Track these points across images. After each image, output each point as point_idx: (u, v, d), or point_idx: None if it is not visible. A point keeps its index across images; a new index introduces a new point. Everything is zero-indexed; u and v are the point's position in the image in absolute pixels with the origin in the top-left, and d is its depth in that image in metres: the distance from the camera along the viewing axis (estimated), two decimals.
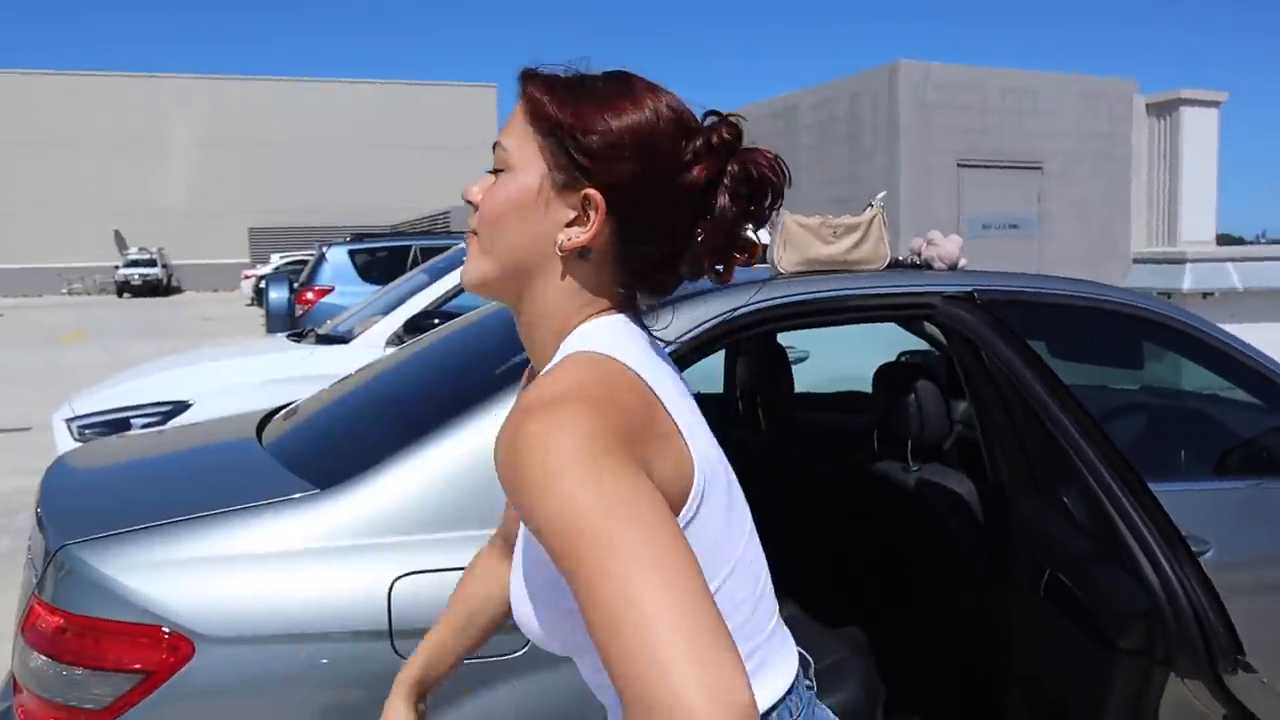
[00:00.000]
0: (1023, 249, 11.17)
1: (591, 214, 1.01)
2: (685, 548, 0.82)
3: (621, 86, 1.04)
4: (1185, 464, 2.91)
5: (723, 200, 1.03)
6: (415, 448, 1.96)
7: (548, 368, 1.02)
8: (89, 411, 4.60)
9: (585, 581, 0.79)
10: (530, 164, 1.04)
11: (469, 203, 1.10)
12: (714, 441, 1.06)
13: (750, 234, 1.07)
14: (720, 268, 1.07)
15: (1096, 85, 11.74)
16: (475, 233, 1.09)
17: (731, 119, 1.05)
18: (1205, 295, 11.09)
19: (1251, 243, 27.50)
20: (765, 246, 2.48)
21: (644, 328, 1.10)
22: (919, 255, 2.63)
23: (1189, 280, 11.08)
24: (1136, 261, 11.98)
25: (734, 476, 1.10)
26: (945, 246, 2.56)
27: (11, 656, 1.97)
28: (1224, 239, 20.93)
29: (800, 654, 1.14)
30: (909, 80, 10.55)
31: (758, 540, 1.11)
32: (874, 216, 2.47)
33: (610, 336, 1.02)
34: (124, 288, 41.73)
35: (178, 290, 45.10)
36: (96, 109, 46.91)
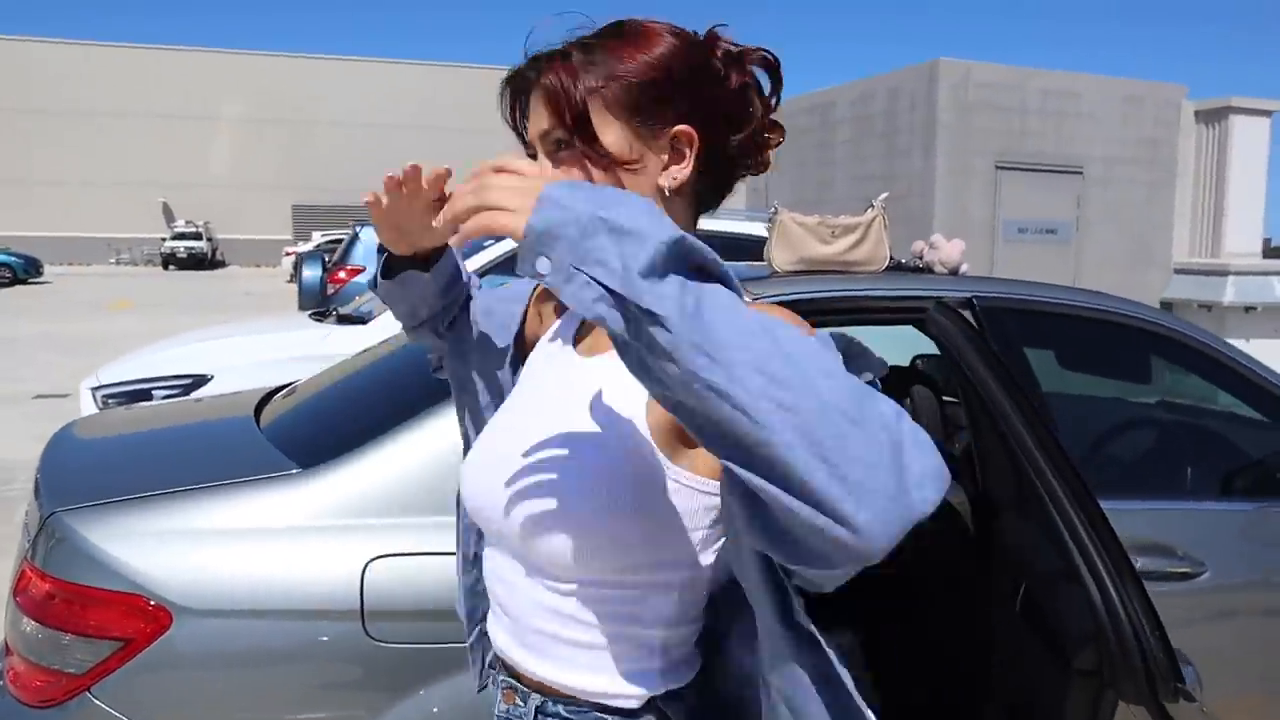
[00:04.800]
0: (1059, 254, 11.02)
1: (687, 150, 1.07)
2: None
3: (639, 27, 1.09)
4: (1190, 482, 2.87)
5: (756, 100, 1.10)
6: (397, 432, 1.98)
7: None
8: (113, 381, 4.69)
9: None
10: (607, 131, 1.06)
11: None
12: None
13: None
14: (761, 159, 1.14)
15: (1142, 89, 11.53)
16: None
17: (717, 28, 1.11)
18: (1248, 309, 10.88)
19: None
20: (763, 244, 2.48)
21: None
22: (921, 258, 2.61)
23: (1231, 293, 10.87)
24: (1178, 272, 11.77)
25: None
26: (947, 250, 2.53)
27: (4, 621, 2.02)
28: (1277, 251, 20.52)
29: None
30: (949, 78, 10.42)
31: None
32: (874, 218, 2.45)
33: None
34: (170, 260, 42.38)
35: (222, 264, 45.70)
36: (146, 82, 47.52)
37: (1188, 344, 2.70)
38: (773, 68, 1.12)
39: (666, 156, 1.07)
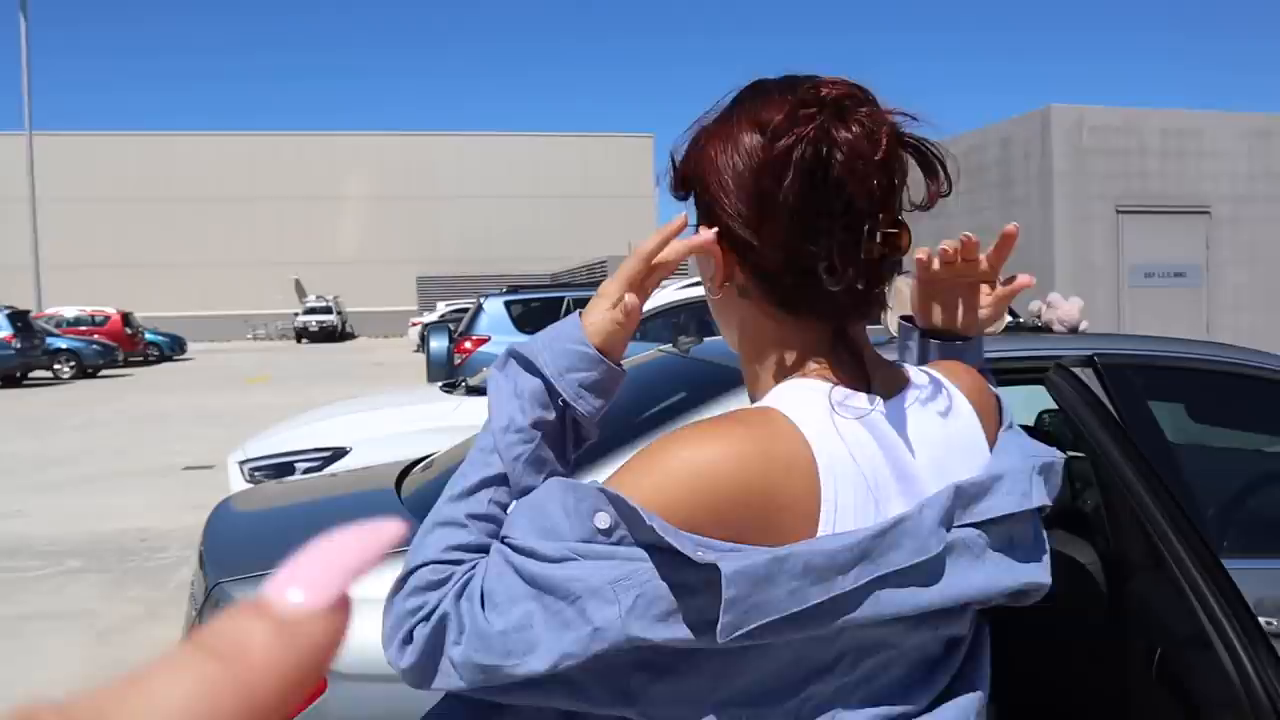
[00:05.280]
0: (1189, 298, 10.64)
1: (712, 250, 0.95)
2: None
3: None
4: None
5: (785, 185, 0.88)
6: None
7: None
8: (259, 455, 4.96)
9: None
10: None
11: None
12: None
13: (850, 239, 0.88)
14: (873, 243, 0.89)
15: (1269, 123, 11.11)
16: None
17: (828, 81, 0.88)
18: None
19: None
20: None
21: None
22: (1039, 318, 2.61)
23: None
24: None
25: None
26: (1065, 309, 2.53)
27: None
28: None
29: None
30: (1062, 125, 10.26)
31: None
32: None
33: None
34: (303, 333, 44.36)
35: (351, 336, 47.54)
36: (277, 167, 50.40)
37: None
38: (826, 164, 0.87)
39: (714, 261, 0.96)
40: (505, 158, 52.44)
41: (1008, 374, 2.39)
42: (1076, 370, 2.33)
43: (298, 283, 50.06)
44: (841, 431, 0.89)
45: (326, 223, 50.86)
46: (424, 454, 3.13)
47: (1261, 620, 2.18)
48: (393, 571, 1.88)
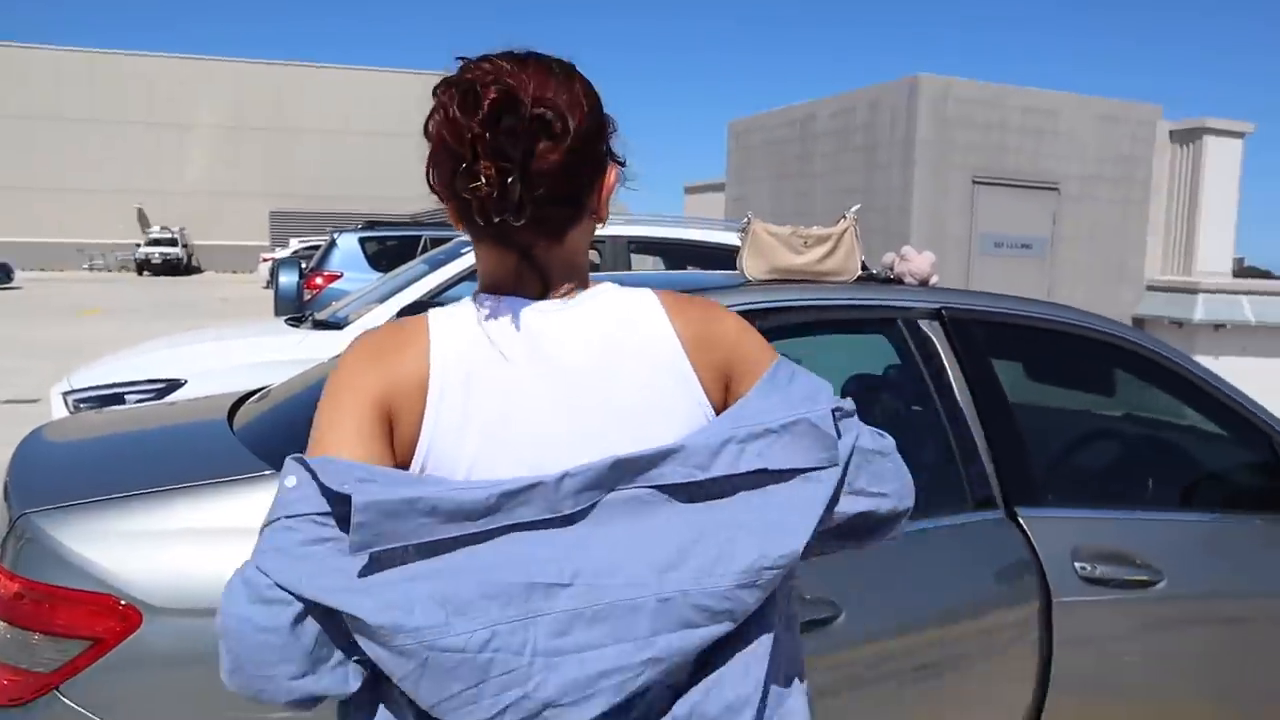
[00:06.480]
0: (1034, 269, 11.14)
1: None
2: None
3: None
4: (1150, 493, 2.91)
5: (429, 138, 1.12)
6: None
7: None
8: (85, 386, 4.65)
9: None
10: None
11: None
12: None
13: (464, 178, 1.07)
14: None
15: (1118, 109, 11.68)
16: None
17: (491, 59, 1.10)
18: (1217, 327, 11.02)
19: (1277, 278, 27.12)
20: (736, 252, 2.51)
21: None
22: (891, 270, 2.65)
23: (1201, 311, 11.01)
24: (1150, 289, 11.92)
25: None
26: (917, 262, 2.57)
27: None
28: (1251, 271, 20.78)
29: None
30: (929, 94, 10.53)
31: None
32: (846, 229, 2.49)
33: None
34: (144, 266, 42.15)
35: (198, 270, 45.43)
36: (123, 87, 47.31)
37: (1152, 359, 2.75)
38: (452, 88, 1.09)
39: None
40: (370, 93, 50.62)
41: (856, 323, 2.42)
42: (924, 322, 2.38)
43: (141, 212, 47.32)
44: (474, 330, 1.12)
45: (176, 150, 48.17)
46: (262, 386, 2.98)
47: (1077, 565, 2.30)
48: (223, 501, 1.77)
